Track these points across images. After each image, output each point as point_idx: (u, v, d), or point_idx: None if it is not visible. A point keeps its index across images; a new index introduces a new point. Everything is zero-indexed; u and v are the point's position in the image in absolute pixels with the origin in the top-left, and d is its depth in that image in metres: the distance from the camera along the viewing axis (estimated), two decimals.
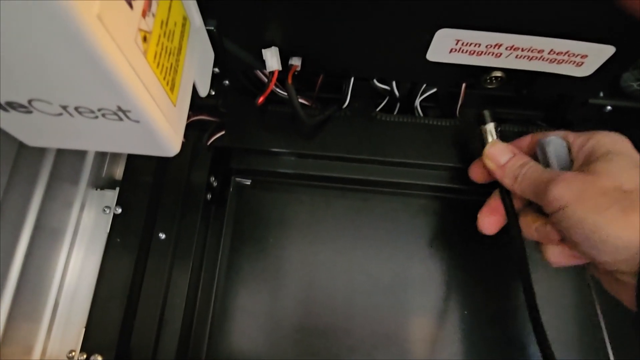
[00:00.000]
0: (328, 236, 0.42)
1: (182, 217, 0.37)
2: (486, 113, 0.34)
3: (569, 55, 0.31)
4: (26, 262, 0.29)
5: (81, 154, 0.34)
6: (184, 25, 0.21)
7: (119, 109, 0.16)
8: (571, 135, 0.31)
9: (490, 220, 0.33)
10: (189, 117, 0.41)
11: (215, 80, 0.39)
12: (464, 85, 0.37)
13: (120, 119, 0.16)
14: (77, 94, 0.15)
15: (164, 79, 0.18)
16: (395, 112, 0.41)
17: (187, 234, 0.37)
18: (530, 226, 0.31)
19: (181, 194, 0.37)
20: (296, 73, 0.36)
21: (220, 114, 0.41)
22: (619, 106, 0.37)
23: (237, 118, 0.39)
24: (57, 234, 0.32)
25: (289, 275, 0.41)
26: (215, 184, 0.40)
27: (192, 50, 0.22)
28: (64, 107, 0.16)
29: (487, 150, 0.33)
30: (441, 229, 0.42)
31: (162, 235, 0.35)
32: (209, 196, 0.39)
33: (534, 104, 0.39)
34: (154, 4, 0.16)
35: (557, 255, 0.30)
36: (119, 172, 0.38)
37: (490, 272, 0.41)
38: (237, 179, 0.43)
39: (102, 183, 0.36)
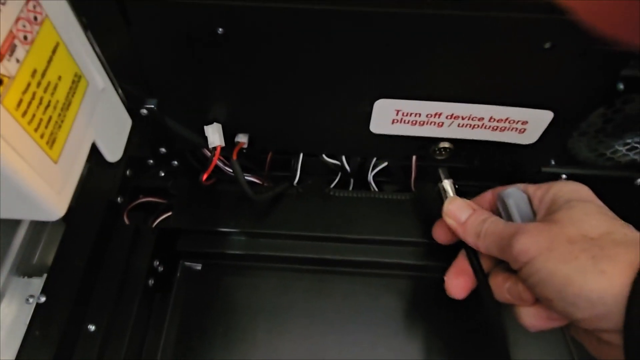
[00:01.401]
0: (286, 323, 0.39)
1: (116, 306, 0.33)
2: (441, 170, 0.33)
3: (509, 122, 0.31)
4: None
5: (6, 238, 0.32)
6: (75, 82, 0.20)
7: None
8: (531, 188, 0.30)
9: (458, 283, 0.31)
10: (135, 199, 0.40)
11: (164, 161, 0.38)
12: (414, 157, 0.37)
13: None
14: None
15: (36, 131, 0.17)
16: (350, 188, 0.40)
17: (121, 324, 0.33)
18: (501, 287, 0.28)
19: (117, 279, 0.34)
20: (244, 151, 0.36)
21: (171, 196, 0.40)
22: (574, 174, 0.36)
23: (185, 198, 0.38)
24: None
25: None
26: (160, 268, 0.38)
27: (90, 110, 0.21)
28: None
29: (446, 207, 0.31)
30: (406, 309, 0.39)
31: (92, 327, 0.32)
32: (151, 282, 0.36)
33: (489, 174, 0.38)
34: (19, 50, 0.16)
35: (532, 318, 0.27)
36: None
37: (464, 352, 0.37)
38: (186, 264, 0.41)
39: (30, 270, 0.34)
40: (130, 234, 0.36)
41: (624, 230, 0.25)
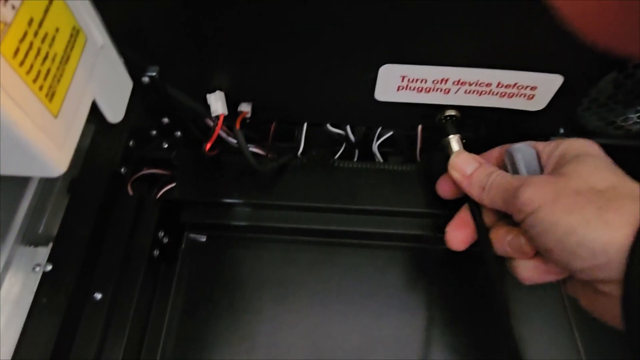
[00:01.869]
0: (291, 294, 0.39)
1: (122, 275, 0.33)
2: (449, 124, 0.33)
3: (518, 88, 0.31)
4: None
5: (12, 207, 0.32)
6: (73, 35, 0.20)
7: None
8: (540, 144, 0.29)
9: (458, 235, 0.31)
10: (139, 171, 0.39)
11: (167, 132, 0.38)
12: (419, 127, 0.36)
13: None
14: None
15: (35, 82, 0.17)
16: (354, 159, 0.40)
17: (127, 293, 0.33)
18: (502, 240, 0.28)
19: (122, 249, 0.34)
20: (247, 121, 0.35)
21: (174, 167, 0.39)
22: None
23: (188, 169, 0.38)
24: None
25: (246, 340, 0.37)
26: (165, 239, 0.38)
27: (89, 66, 0.21)
28: None
29: (452, 160, 0.31)
30: (411, 282, 0.39)
31: (98, 296, 0.32)
32: (156, 252, 0.36)
33: (496, 144, 0.37)
34: None
35: (529, 271, 0.27)
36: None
37: (469, 327, 0.37)
38: (191, 235, 0.41)
39: (37, 239, 0.34)
40: (134, 205, 0.36)
41: (632, 184, 0.24)
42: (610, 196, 0.23)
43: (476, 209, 0.30)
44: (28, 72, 0.16)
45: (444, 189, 0.33)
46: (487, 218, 0.30)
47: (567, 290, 0.28)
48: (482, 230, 0.30)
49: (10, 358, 0.29)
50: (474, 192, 0.29)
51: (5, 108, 0.15)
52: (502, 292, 0.29)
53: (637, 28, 0.17)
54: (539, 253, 0.27)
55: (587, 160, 0.26)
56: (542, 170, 0.29)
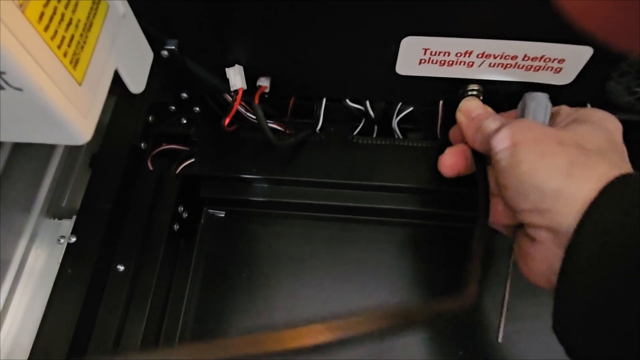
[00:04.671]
0: (307, 271, 0.39)
1: (143, 248, 0.34)
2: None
3: (545, 61, 0.30)
4: None
5: (36, 181, 0.32)
6: (95, 2, 0.20)
7: None
8: (565, 107, 0.29)
9: (451, 160, 0.31)
10: (158, 146, 0.40)
11: (186, 107, 0.38)
12: (441, 102, 0.35)
13: (1, 87, 0.15)
14: None
15: (59, 48, 0.17)
16: (374, 135, 0.39)
17: (148, 265, 0.34)
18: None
19: (143, 223, 0.34)
20: (266, 96, 0.35)
21: (193, 143, 0.40)
22: None
23: (207, 145, 0.38)
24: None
25: (264, 314, 0.37)
26: (184, 214, 0.38)
27: (111, 35, 0.21)
28: None
29: (463, 104, 0.31)
30: (429, 260, 0.39)
31: (121, 267, 0.33)
32: (176, 227, 0.37)
33: None
34: None
35: (492, 206, 0.28)
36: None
37: (489, 302, 0.37)
38: (210, 211, 0.41)
39: (61, 212, 0.34)
40: (154, 180, 0.36)
41: (620, 161, 0.24)
42: (590, 155, 0.23)
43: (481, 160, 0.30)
44: (53, 37, 0.16)
45: (456, 135, 0.33)
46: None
47: (512, 236, 0.29)
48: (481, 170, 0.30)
49: (38, 325, 0.30)
50: (469, 135, 0.29)
51: (32, 73, 0.15)
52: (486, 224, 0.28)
53: (637, 25, 0.16)
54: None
55: (593, 127, 0.25)
56: (547, 122, 0.28)
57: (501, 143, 0.25)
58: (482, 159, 0.30)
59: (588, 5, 0.16)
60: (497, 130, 0.26)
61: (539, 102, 0.29)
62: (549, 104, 0.29)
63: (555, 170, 0.23)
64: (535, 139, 0.24)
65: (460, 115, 0.31)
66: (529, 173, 0.23)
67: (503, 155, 0.25)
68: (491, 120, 0.28)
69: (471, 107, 0.30)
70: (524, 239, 0.26)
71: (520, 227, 0.27)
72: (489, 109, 0.30)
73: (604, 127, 0.26)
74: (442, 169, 0.31)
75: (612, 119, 0.27)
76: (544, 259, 0.24)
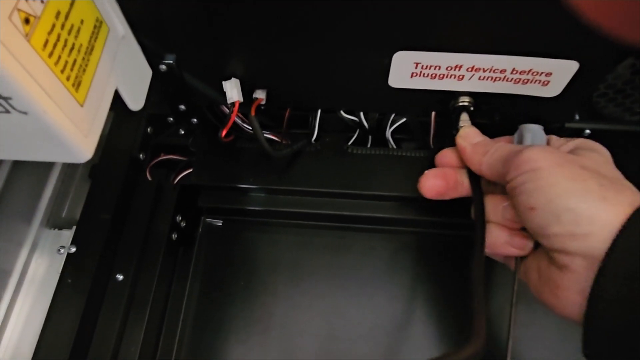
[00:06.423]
0: (305, 278, 0.40)
1: (142, 257, 0.35)
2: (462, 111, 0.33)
3: (532, 74, 0.30)
4: None
5: (36, 192, 0.33)
6: (96, 27, 0.21)
7: None
8: (554, 137, 0.30)
9: (434, 183, 0.32)
10: (156, 157, 0.40)
11: (184, 118, 0.39)
12: (433, 113, 0.36)
13: (7, 111, 0.16)
14: None
15: (62, 72, 0.17)
16: (368, 145, 0.40)
17: (147, 274, 0.35)
18: (497, 205, 0.29)
19: (142, 233, 0.35)
20: (262, 107, 0.36)
21: (191, 153, 0.40)
22: (599, 129, 0.35)
23: (205, 155, 0.39)
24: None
25: (261, 322, 0.38)
26: (182, 223, 0.39)
27: (112, 57, 0.22)
28: None
29: (463, 130, 0.31)
30: (424, 267, 0.40)
31: (120, 277, 0.33)
32: (174, 236, 0.37)
33: (510, 132, 0.37)
34: None
35: (492, 236, 0.28)
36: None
37: (488, 310, 0.38)
38: (208, 220, 0.42)
39: (61, 223, 0.35)
40: (153, 190, 0.37)
41: (632, 186, 0.25)
42: (613, 181, 0.24)
43: (475, 178, 0.31)
44: (56, 63, 0.17)
45: (445, 157, 0.33)
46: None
47: (520, 273, 0.28)
48: (478, 195, 0.30)
49: (38, 335, 0.31)
50: (476, 158, 0.29)
51: (37, 98, 0.16)
52: (482, 257, 0.28)
53: None
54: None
55: (601, 154, 0.26)
56: None
57: (526, 164, 0.25)
58: (478, 185, 0.30)
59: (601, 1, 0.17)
60: (519, 152, 0.26)
61: (535, 133, 0.30)
62: (544, 135, 0.30)
63: (589, 193, 0.23)
64: (559, 162, 0.24)
65: (460, 141, 0.31)
66: (563, 195, 0.23)
67: (529, 177, 0.24)
68: (504, 144, 0.29)
69: (471, 134, 0.31)
70: (549, 268, 0.25)
71: (535, 255, 0.27)
72: (487, 137, 0.31)
73: (605, 155, 0.27)
74: (422, 190, 0.32)
75: (605, 148, 0.28)
76: (578, 289, 0.23)
